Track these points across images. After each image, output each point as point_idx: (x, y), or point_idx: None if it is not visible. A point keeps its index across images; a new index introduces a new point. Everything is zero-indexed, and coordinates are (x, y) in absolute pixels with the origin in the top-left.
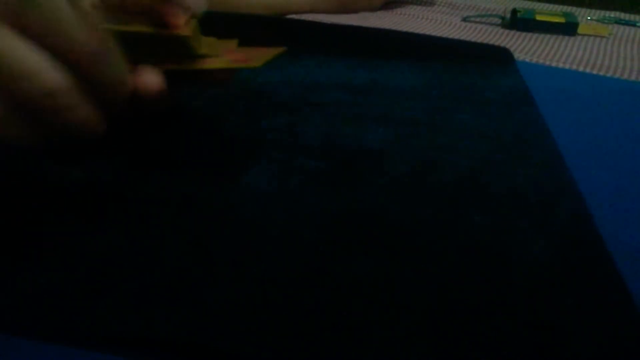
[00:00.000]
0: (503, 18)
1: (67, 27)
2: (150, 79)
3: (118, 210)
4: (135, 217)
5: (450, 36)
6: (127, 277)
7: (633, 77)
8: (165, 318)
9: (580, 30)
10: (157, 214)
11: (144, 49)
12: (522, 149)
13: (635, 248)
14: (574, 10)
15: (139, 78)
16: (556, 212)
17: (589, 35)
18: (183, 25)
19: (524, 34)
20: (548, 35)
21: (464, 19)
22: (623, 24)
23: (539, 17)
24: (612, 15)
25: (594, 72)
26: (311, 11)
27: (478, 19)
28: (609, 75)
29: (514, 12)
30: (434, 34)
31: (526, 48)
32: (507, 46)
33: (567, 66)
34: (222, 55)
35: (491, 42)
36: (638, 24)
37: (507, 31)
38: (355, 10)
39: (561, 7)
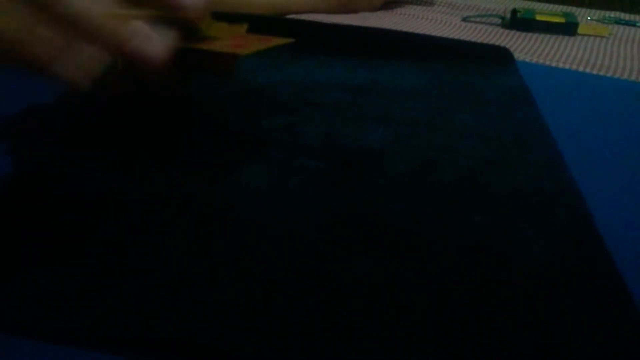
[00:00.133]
0: (503, 18)
1: None
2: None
3: (118, 210)
4: (135, 217)
5: (450, 36)
6: (127, 277)
7: (633, 77)
8: (165, 318)
9: (580, 30)
10: (157, 213)
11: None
12: (522, 149)
13: (635, 248)
14: (574, 10)
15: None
16: (556, 212)
17: (589, 35)
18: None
19: (524, 34)
20: (548, 35)
21: (464, 19)
22: (623, 24)
23: (539, 17)
24: (612, 15)
25: (594, 72)
26: (311, 11)
27: (478, 19)
28: (609, 75)
29: (514, 12)
30: (434, 34)
31: (526, 48)
32: (507, 46)
33: (567, 66)
34: (226, 40)
35: (491, 42)
36: (638, 24)
37: (507, 31)
38: (355, 10)
39: (561, 7)
